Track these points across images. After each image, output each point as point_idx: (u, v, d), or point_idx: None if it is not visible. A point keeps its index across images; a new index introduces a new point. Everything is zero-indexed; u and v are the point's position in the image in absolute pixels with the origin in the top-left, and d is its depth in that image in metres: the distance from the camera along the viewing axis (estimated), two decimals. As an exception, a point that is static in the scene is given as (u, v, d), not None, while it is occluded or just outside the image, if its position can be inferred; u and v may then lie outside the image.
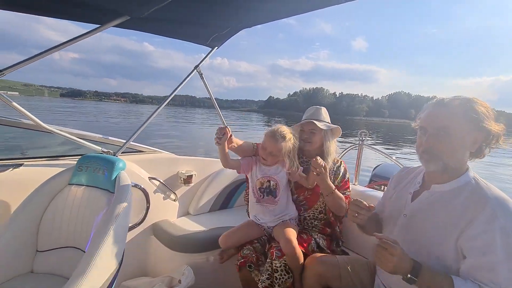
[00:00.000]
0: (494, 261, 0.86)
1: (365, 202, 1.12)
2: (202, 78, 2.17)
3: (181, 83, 2.03)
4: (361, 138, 1.99)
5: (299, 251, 1.42)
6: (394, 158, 2.00)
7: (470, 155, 1.02)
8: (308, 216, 1.70)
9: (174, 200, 2.07)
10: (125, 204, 1.24)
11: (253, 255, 1.55)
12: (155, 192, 1.93)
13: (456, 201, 0.99)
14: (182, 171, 2.13)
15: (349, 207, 1.16)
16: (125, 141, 1.81)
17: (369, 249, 1.71)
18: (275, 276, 1.41)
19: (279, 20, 1.76)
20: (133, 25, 1.61)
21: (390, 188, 1.34)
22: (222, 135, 1.54)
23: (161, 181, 1.99)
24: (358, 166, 2.02)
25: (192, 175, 2.11)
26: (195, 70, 2.08)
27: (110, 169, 1.42)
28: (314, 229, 1.70)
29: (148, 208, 1.87)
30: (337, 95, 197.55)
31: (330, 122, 1.74)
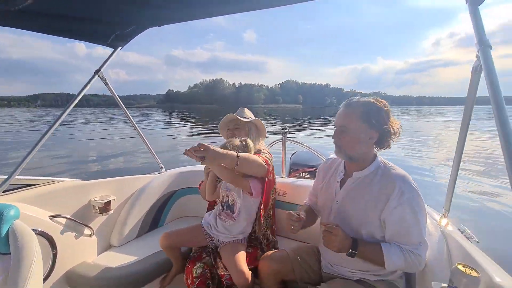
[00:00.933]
0: (406, 227, 1.10)
1: (295, 214, 1.26)
2: (106, 84, 1.83)
3: (81, 91, 1.65)
4: (283, 133, 2.15)
5: (249, 277, 1.39)
6: (312, 148, 2.26)
7: (376, 145, 1.24)
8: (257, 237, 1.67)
9: (90, 236, 1.71)
10: (32, 265, 0.94)
11: (207, 271, 1.47)
12: (62, 232, 1.54)
13: (372, 184, 1.20)
14: (96, 199, 1.77)
15: (286, 222, 1.28)
16: (6, 176, 1.35)
17: (305, 234, 1.90)
18: None
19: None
20: (7, 19, 1.19)
21: (319, 179, 1.51)
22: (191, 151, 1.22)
23: (68, 216, 1.60)
24: (284, 160, 2.18)
25: (110, 200, 1.78)
26: (97, 76, 1.73)
27: (-5, 223, 1.03)
28: (253, 234, 1.68)
29: (55, 255, 1.47)
30: (237, 86, 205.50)
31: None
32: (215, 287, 1.47)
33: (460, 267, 0.88)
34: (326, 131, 18.40)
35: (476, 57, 0.95)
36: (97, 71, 1.74)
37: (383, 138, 1.20)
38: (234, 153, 1.37)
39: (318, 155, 2.21)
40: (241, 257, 1.47)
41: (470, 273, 0.86)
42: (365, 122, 1.16)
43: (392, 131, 1.19)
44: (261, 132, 1.82)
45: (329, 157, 1.54)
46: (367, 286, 1.21)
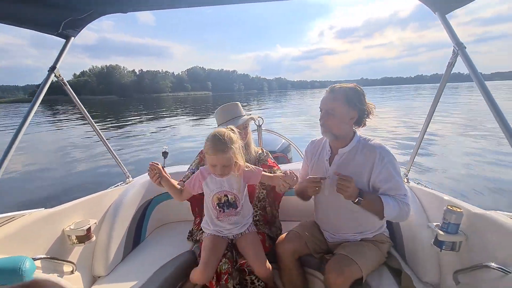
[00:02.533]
0: (395, 182, 1.36)
1: (316, 176, 1.45)
2: (64, 85, 1.47)
3: (38, 94, 1.30)
4: (258, 123, 2.24)
5: (268, 265, 1.52)
6: (286, 137, 2.44)
7: (355, 125, 1.48)
8: (254, 213, 1.79)
9: (72, 272, 1.42)
10: None
11: (229, 266, 1.50)
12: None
13: (357, 156, 1.45)
14: (70, 227, 1.46)
15: (309, 185, 1.45)
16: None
17: (297, 212, 2.11)
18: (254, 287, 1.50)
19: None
20: None
21: (307, 160, 1.72)
22: (153, 171, 1.41)
23: (43, 256, 1.29)
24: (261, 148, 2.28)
25: (90, 226, 1.49)
26: (53, 75, 1.37)
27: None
28: (259, 222, 1.81)
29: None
30: (137, 73, 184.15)
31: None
32: (237, 276, 1.52)
33: (449, 207, 1.25)
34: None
35: (453, 53, 1.31)
36: (52, 69, 1.37)
37: (361, 118, 1.45)
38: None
39: (292, 144, 2.41)
40: (258, 246, 1.56)
41: (456, 210, 1.24)
42: (348, 104, 1.40)
43: (368, 112, 1.45)
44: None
45: (313, 139, 1.76)
46: (369, 242, 1.50)
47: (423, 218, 1.54)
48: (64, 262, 1.38)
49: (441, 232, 1.26)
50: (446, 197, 1.49)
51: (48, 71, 1.37)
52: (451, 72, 1.46)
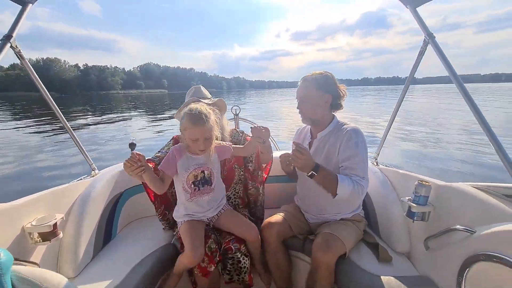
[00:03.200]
0: (354, 163, 1.43)
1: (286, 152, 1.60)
2: (20, 57, 1.28)
3: None
4: (235, 112, 2.24)
5: (256, 228, 1.55)
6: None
7: (331, 109, 1.58)
8: (231, 195, 1.78)
9: (36, 274, 1.23)
10: None
11: (216, 246, 1.47)
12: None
13: (331, 139, 1.55)
14: (32, 223, 1.27)
15: (281, 160, 1.62)
16: None
17: (280, 199, 2.14)
18: (240, 267, 1.47)
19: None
20: None
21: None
22: (137, 163, 1.25)
23: None
24: None
25: (56, 222, 1.32)
26: (9, 44, 1.18)
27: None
28: (239, 206, 1.81)
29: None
30: (82, 68, 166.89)
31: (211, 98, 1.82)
32: (221, 257, 1.50)
33: (419, 182, 1.40)
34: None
35: (424, 42, 1.47)
36: (7, 37, 1.17)
37: (336, 101, 1.55)
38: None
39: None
40: (240, 215, 1.60)
41: (425, 183, 1.39)
42: (320, 89, 1.50)
43: (341, 94, 1.55)
44: (223, 110, 1.85)
45: (299, 128, 1.87)
46: (348, 221, 1.61)
47: (394, 195, 1.70)
48: (26, 263, 1.19)
49: (413, 204, 1.40)
50: (413, 174, 1.67)
51: (2, 39, 1.16)
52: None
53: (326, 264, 1.35)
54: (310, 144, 1.66)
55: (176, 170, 1.42)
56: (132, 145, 3.02)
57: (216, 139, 1.42)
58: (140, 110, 25.40)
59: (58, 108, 1.67)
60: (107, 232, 1.72)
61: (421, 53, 1.56)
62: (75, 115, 19.19)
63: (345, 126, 1.55)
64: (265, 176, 1.85)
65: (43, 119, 16.46)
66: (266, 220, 1.66)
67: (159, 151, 1.75)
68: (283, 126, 12.90)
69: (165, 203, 1.74)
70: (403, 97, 1.82)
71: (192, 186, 1.44)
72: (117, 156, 7.41)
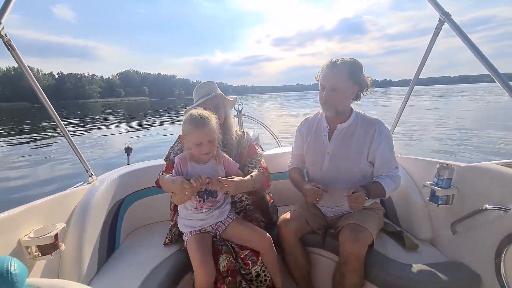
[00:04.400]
0: (389, 156, 1.45)
1: (320, 187, 1.42)
2: (9, 47, 1.13)
3: None
4: (238, 108, 2.16)
5: (269, 236, 1.43)
6: (266, 126, 2.38)
7: (352, 99, 1.51)
8: (238, 199, 1.65)
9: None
10: None
11: (231, 259, 1.35)
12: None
13: (356, 131, 1.48)
14: (30, 235, 1.11)
15: (309, 194, 1.43)
16: None
17: (292, 196, 2.02)
18: (259, 280, 1.39)
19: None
20: None
21: (302, 140, 1.69)
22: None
23: None
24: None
25: (57, 233, 1.16)
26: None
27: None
28: (249, 208, 1.68)
29: None
30: (57, 76, 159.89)
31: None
32: (241, 273, 1.37)
33: (441, 164, 1.37)
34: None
35: (439, 22, 1.45)
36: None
37: (360, 92, 1.47)
38: (249, 179, 1.42)
39: (271, 133, 2.37)
40: (248, 224, 1.48)
41: (448, 165, 1.36)
42: (351, 79, 1.40)
43: (367, 85, 1.46)
44: (231, 106, 1.76)
45: (306, 118, 1.75)
46: (368, 209, 1.54)
47: (410, 182, 1.67)
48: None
49: (437, 188, 1.37)
50: (427, 159, 1.64)
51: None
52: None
53: (356, 255, 1.29)
54: (329, 135, 1.56)
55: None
56: (128, 150, 2.84)
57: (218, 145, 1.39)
58: (120, 118, 24.59)
59: (54, 111, 1.51)
60: (110, 241, 1.57)
61: (436, 35, 1.53)
62: (48, 125, 18.19)
63: (368, 117, 1.51)
64: (268, 185, 1.69)
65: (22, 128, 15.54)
66: (281, 217, 1.57)
67: (168, 155, 1.64)
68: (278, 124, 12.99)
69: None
70: (412, 89, 1.81)
71: (197, 197, 1.37)
72: (106, 164, 7.12)
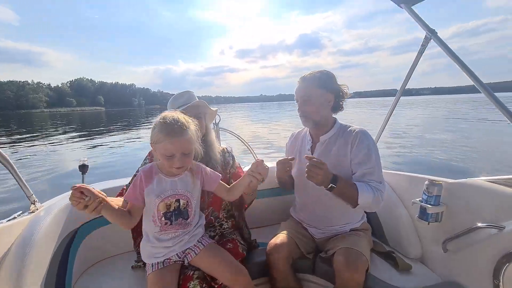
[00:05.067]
0: (370, 167, 1.32)
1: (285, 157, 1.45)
2: None
3: None
4: (215, 121, 2.02)
5: (245, 270, 1.23)
6: (243, 139, 2.23)
7: (332, 110, 1.46)
8: (219, 222, 1.50)
9: None
10: None
11: (204, 285, 1.15)
12: None
13: (338, 142, 1.43)
14: None
15: (278, 167, 1.45)
16: None
17: (264, 217, 1.92)
18: None
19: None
20: None
21: (289, 152, 1.68)
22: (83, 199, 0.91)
23: None
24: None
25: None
26: None
27: None
28: (228, 229, 1.53)
29: None
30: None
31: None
32: None
33: (430, 181, 1.35)
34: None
35: (425, 38, 1.45)
36: None
37: (338, 100, 1.43)
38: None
39: (249, 148, 2.24)
40: (222, 253, 1.26)
41: (437, 182, 1.35)
42: (322, 88, 1.39)
43: (343, 92, 1.43)
44: (211, 120, 1.62)
45: (293, 133, 1.72)
46: (358, 231, 1.47)
47: (395, 198, 1.64)
48: None
49: (428, 206, 1.34)
50: (412, 175, 1.64)
51: None
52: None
53: (356, 283, 1.18)
54: (312, 148, 1.52)
55: (142, 198, 1.12)
56: (82, 167, 2.45)
57: (196, 158, 1.17)
58: (71, 130, 22.33)
59: None
60: (59, 284, 1.25)
61: (421, 52, 1.56)
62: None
63: (351, 128, 1.45)
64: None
65: None
66: (271, 242, 1.42)
67: (135, 174, 1.41)
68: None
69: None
70: (396, 103, 1.83)
71: (163, 219, 1.14)
72: (55, 187, 6.03)
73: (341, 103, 1.46)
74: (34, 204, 1.39)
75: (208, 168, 1.26)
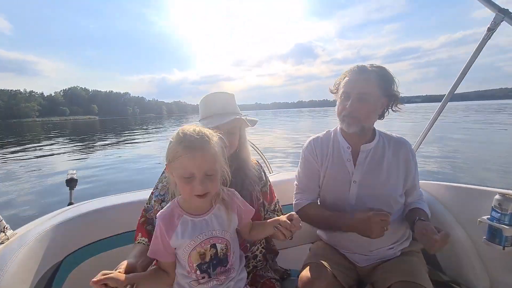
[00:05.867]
0: (417, 182, 1.24)
1: (385, 212, 1.05)
2: None
3: None
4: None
5: None
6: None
7: (378, 117, 1.23)
8: (253, 252, 1.20)
9: None
10: None
11: None
12: None
13: (385, 152, 1.21)
14: None
15: (374, 224, 1.03)
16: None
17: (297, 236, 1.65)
18: None
19: None
20: None
21: (317, 163, 1.30)
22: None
23: None
24: None
25: None
26: None
27: None
28: (260, 262, 1.22)
29: None
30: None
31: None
32: None
33: (501, 194, 1.09)
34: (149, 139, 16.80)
35: (493, 22, 1.25)
36: None
37: (388, 108, 1.20)
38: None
39: (264, 159, 2.00)
40: None
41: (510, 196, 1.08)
42: (380, 88, 1.13)
43: (396, 101, 1.19)
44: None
45: (313, 137, 1.36)
46: (411, 253, 1.21)
47: (449, 216, 1.37)
48: None
49: (505, 226, 1.08)
50: (459, 185, 1.39)
51: None
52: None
53: None
54: (354, 160, 1.23)
55: (170, 250, 0.87)
56: (71, 182, 2.11)
57: (225, 183, 0.91)
58: (61, 139, 21.67)
59: None
60: None
61: (485, 39, 1.33)
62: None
63: (395, 136, 1.26)
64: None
65: None
66: (303, 276, 1.11)
67: (151, 198, 1.14)
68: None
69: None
70: (445, 105, 1.61)
71: (198, 272, 0.87)
72: (36, 207, 5.03)
73: (387, 112, 1.21)
74: (4, 232, 1.08)
75: (241, 199, 0.97)
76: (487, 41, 1.35)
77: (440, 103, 1.65)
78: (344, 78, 1.18)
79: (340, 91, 1.18)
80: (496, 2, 1.26)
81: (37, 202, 5.45)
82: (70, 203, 1.82)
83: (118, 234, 1.33)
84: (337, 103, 1.21)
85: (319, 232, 1.40)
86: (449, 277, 1.31)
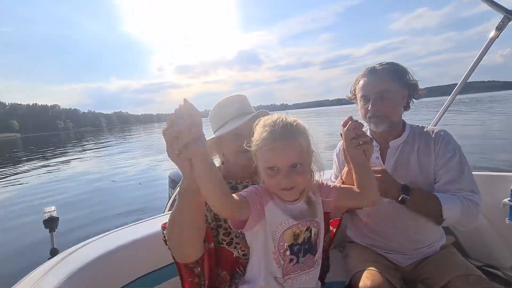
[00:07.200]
0: (458, 173, 1.12)
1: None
2: None
3: None
4: None
5: None
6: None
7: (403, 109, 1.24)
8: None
9: None
10: None
11: None
12: None
13: (415, 145, 1.20)
14: None
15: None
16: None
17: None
18: None
19: None
20: None
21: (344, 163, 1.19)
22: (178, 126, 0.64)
23: None
24: None
25: None
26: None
27: None
28: (326, 269, 1.16)
29: None
30: None
31: None
32: None
33: None
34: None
35: (502, 22, 1.33)
36: None
37: (410, 97, 1.23)
38: None
39: None
40: None
41: None
42: (397, 81, 1.17)
43: (417, 89, 1.21)
44: None
45: (341, 142, 1.29)
46: (450, 247, 1.24)
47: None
48: None
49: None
50: (480, 173, 1.42)
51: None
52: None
53: None
54: (383, 157, 1.25)
55: (259, 218, 0.80)
56: (50, 222, 1.64)
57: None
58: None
59: None
60: None
61: (493, 39, 1.44)
62: None
63: (428, 128, 1.24)
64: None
65: None
66: (361, 285, 1.08)
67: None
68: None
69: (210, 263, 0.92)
70: (453, 100, 1.68)
71: (288, 253, 0.82)
72: None
73: (411, 100, 1.24)
74: None
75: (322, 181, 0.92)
76: (494, 40, 1.45)
77: (449, 97, 1.75)
78: (358, 83, 1.23)
79: (358, 95, 1.23)
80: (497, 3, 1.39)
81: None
82: (54, 250, 1.55)
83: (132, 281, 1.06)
84: (359, 107, 1.24)
85: (351, 235, 1.40)
86: (480, 263, 1.36)
